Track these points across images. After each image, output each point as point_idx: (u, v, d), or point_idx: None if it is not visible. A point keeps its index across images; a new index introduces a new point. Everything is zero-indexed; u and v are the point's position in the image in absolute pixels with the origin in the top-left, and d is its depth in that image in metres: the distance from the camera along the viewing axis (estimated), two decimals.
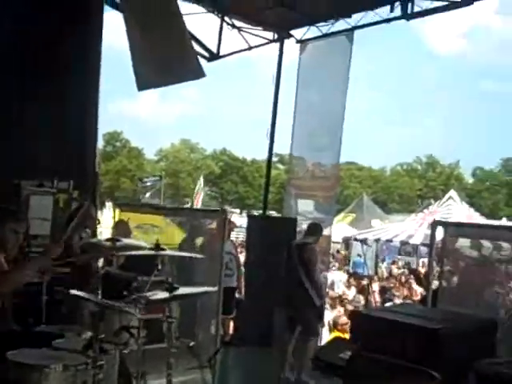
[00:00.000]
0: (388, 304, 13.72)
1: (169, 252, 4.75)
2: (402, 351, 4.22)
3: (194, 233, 8.36)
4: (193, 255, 5.46)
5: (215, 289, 5.72)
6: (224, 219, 6.89)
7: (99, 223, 8.60)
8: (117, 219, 8.74)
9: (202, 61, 8.20)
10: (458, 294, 5.73)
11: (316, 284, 8.12)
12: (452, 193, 23.94)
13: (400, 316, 4.54)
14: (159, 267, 4.60)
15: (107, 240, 5.26)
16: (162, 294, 4.45)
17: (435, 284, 6.52)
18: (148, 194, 27.82)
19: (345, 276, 16.88)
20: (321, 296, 8.24)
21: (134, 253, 4.82)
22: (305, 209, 12.31)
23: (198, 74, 7.67)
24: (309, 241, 8.47)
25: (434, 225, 6.35)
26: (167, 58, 7.67)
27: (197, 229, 8.26)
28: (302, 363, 7.75)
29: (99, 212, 10.30)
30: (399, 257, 23.17)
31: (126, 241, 5.32)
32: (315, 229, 8.77)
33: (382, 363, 4.30)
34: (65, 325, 4.76)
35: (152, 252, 4.56)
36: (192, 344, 5.08)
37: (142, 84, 8.16)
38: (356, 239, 18.69)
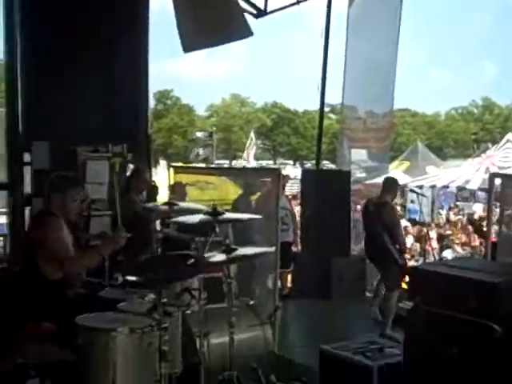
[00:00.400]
0: (446, 251, 13.66)
1: (227, 216, 4.78)
2: (461, 305, 4.20)
3: (249, 191, 8.42)
4: (250, 216, 5.48)
5: (273, 249, 5.76)
6: (278, 177, 6.89)
7: (156, 187, 8.75)
8: (172, 181, 8.83)
9: (249, 18, 8.04)
10: None
11: (398, 243, 7.96)
12: (510, 135, 23.29)
13: (458, 270, 4.50)
14: (217, 230, 4.64)
15: (164, 204, 5.35)
16: (221, 256, 4.51)
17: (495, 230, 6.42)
18: (201, 151, 27.98)
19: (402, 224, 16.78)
20: (402, 254, 8.08)
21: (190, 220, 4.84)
22: (358, 158, 12.27)
23: (245, 32, 7.56)
24: (387, 200, 8.13)
25: (491, 177, 6.21)
26: (213, 18, 7.56)
27: (251, 187, 8.31)
28: (387, 317, 7.77)
29: (153, 170, 10.44)
30: (457, 203, 22.83)
31: (182, 204, 5.40)
32: (391, 184, 8.35)
33: (441, 317, 4.30)
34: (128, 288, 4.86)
35: (210, 218, 4.60)
36: (252, 302, 5.16)
37: (188, 45, 8.07)
38: (411, 189, 18.45)
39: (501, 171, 18.69)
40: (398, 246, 7.91)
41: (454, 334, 4.25)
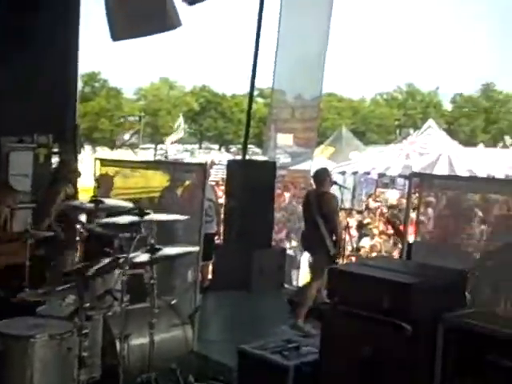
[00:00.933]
0: (364, 239, 13.96)
1: (152, 216, 4.83)
2: (375, 305, 4.37)
3: (175, 184, 8.41)
4: (175, 217, 5.55)
5: (197, 249, 5.82)
6: (204, 172, 6.94)
7: (79, 175, 8.62)
8: (98, 173, 8.73)
9: (183, 5, 7.93)
10: (433, 244, 5.85)
11: (335, 233, 8.13)
12: (430, 122, 23.98)
13: (374, 271, 4.67)
14: (142, 231, 4.68)
15: (90, 202, 5.34)
16: (145, 256, 4.56)
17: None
18: (127, 135, 27.70)
19: None
20: (336, 244, 8.22)
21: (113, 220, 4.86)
22: (284, 143, 12.36)
23: (176, 24, 7.51)
24: (325, 189, 8.25)
25: (410, 176, 6.39)
26: (143, 8, 7.48)
27: (177, 180, 8.30)
28: (302, 307, 7.90)
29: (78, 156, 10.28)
30: (378, 190, 23.34)
31: (108, 202, 5.40)
32: (322, 175, 8.46)
33: (356, 316, 4.47)
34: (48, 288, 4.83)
35: (135, 219, 4.64)
36: (174, 302, 5.21)
37: (116, 34, 7.95)
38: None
39: (421, 157, 19.26)
40: (334, 237, 8.07)
41: (367, 333, 4.43)
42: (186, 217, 5.66)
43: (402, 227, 7.59)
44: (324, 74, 11.29)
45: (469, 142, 43.47)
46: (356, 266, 5.40)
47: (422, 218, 5.96)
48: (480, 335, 4.12)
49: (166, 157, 31.31)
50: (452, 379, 4.22)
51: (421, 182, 6.08)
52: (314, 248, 8.23)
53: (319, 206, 8.07)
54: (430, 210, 6.05)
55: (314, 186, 8.56)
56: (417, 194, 6.11)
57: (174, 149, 37.60)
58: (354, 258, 11.08)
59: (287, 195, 13.99)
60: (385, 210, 17.20)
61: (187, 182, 8.01)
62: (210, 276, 10.08)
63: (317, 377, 4.71)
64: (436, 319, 4.30)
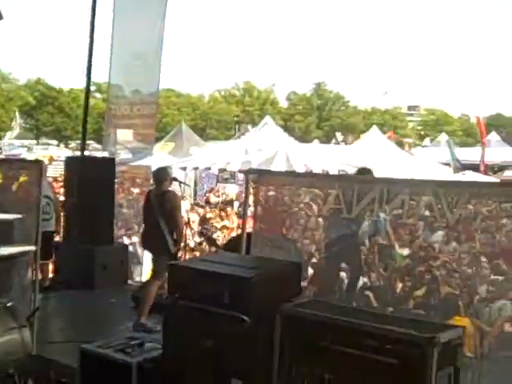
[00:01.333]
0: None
1: None
2: (217, 299, 4.45)
3: (10, 181, 8.05)
4: (8, 216, 5.33)
5: (33, 248, 5.62)
6: (40, 170, 6.71)
7: None
8: None
9: None
10: (270, 238, 6.04)
11: (176, 230, 8.09)
12: (267, 119, 24.72)
13: (214, 265, 4.75)
14: None
15: None
16: None
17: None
18: None
19: None
20: (177, 242, 8.20)
21: None
22: (124, 138, 12.22)
23: None
24: (165, 188, 8.23)
25: (247, 172, 6.55)
26: None
27: (12, 178, 7.96)
28: (145, 304, 7.83)
29: None
30: (219, 185, 23.72)
31: None
32: (162, 174, 8.44)
33: (198, 311, 4.53)
34: None
35: None
36: (10, 304, 5.01)
37: None
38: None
39: (259, 153, 19.78)
40: (174, 236, 8.08)
41: (208, 327, 4.50)
42: (19, 216, 5.45)
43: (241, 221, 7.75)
44: (161, 70, 11.28)
45: (304, 138, 45.24)
46: (197, 262, 5.47)
47: (259, 212, 6.12)
48: (315, 323, 4.28)
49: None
50: (290, 368, 4.36)
51: (258, 177, 6.25)
52: (155, 247, 8.21)
53: (160, 206, 8.08)
54: (267, 205, 6.22)
55: (154, 186, 8.56)
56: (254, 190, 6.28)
57: (9, 144, 35.97)
58: (197, 253, 11.21)
59: (131, 191, 13.87)
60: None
61: (21, 179, 7.72)
62: (50, 275, 9.81)
63: (160, 372, 4.73)
64: (274, 310, 4.44)
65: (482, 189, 5.25)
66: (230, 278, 4.50)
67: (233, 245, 7.93)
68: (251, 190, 6.49)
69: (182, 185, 10.00)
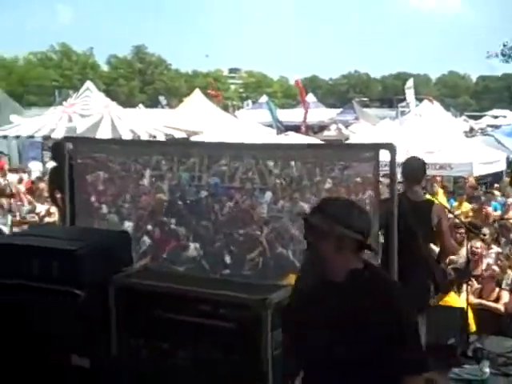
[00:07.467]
0: (38, 206, 13.56)
1: None
2: (44, 274, 4.25)
3: None
4: None
5: None
6: None
7: None
8: None
9: None
10: (95, 208, 5.88)
11: None
12: (89, 84, 23.79)
13: (39, 240, 4.51)
14: None
15: None
16: None
17: None
18: None
19: None
20: None
21: None
22: None
23: None
24: None
25: (64, 141, 6.23)
26: None
27: None
28: None
29: None
30: (44, 152, 22.70)
31: None
32: None
33: (19, 289, 4.32)
34: None
35: None
36: None
37: None
38: None
39: (83, 119, 19.11)
40: None
41: (36, 305, 4.27)
42: None
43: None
44: None
45: (128, 102, 44.35)
46: (13, 238, 5.15)
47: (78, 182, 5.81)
48: (146, 293, 4.24)
49: None
50: (128, 340, 4.29)
51: (74, 146, 5.95)
52: None
53: None
54: (101, 173, 6.01)
55: None
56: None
57: None
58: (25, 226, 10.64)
59: None
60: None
61: None
62: None
63: None
64: (106, 281, 4.30)
65: (300, 150, 5.41)
66: (56, 252, 4.29)
67: None
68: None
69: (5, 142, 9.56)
